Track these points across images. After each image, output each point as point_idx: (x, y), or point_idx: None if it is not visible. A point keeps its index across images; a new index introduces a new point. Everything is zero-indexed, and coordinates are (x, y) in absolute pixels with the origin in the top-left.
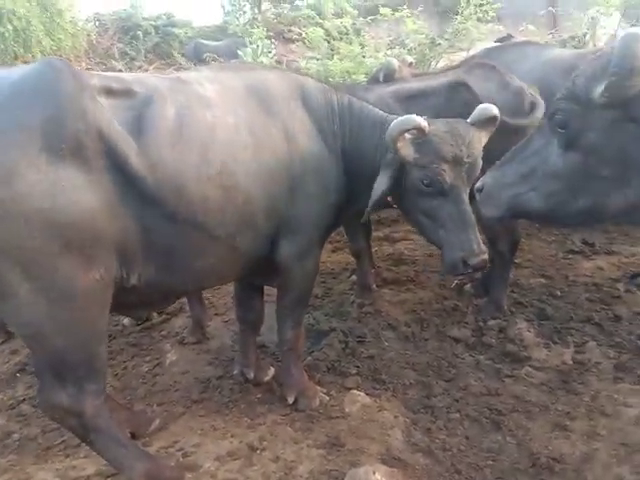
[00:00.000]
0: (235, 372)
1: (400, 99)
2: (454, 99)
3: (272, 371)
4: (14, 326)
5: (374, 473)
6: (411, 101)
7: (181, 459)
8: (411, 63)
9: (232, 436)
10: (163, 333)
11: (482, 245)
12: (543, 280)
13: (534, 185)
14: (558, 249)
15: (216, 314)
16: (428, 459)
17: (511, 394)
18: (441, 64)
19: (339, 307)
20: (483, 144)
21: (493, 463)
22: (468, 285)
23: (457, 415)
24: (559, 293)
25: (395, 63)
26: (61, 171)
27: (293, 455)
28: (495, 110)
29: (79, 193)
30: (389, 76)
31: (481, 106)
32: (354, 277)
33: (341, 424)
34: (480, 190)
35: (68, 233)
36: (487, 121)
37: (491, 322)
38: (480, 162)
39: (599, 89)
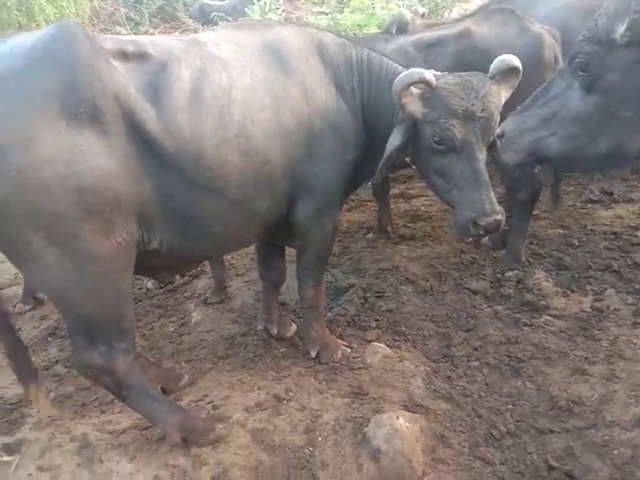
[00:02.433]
0: (259, 328)
1: (420, 48)
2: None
3: (294, 327)
4: (42, 290)
5: (398, 418)
6: (431, 50)
7: (211, 411)
8: (424, 14)
9: (259, 388)
10: (186, 294)
11: (496, 205)
12: (561, 230)
13: (555, 129)
14: (576, 199)
15: (237, 275)
16: (449, 405)
17: (530, 342)
18: (454, 14)
19: (357, 264)
20: (504, 98)
21: (513, 407)
22: (486, 238)
23: (477, 363)
24: (577, 242)
25: (408, 14)
26: (79, 136)
27: (318, 404)
28: (516, 61)
29: (98, 158)
30: (402, 28)
31: (500, 57)
32: (370, 235)
33: (363, 374)
34: (501, 136)
35: (88, 198)
36: (507, 73)
37: (509, 273)
38: (498, 117)
39: (621, 28)
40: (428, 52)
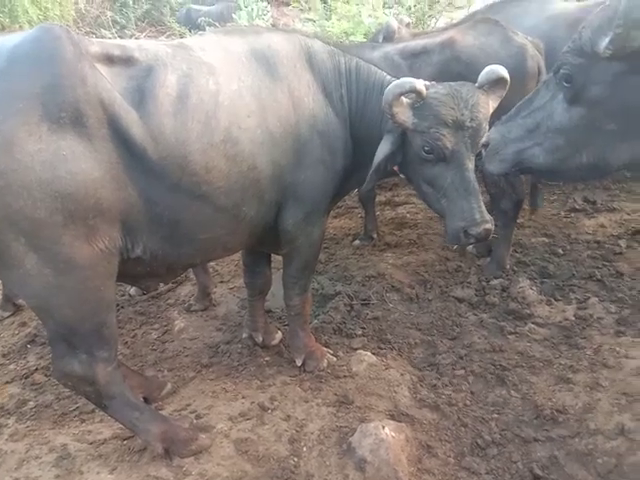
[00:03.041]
0: (244, 336)
1: (406, 56)
2: (455, 54)
3: (280, 335)
4: (22, 296)
5: (383, 428)
6: (416, 58)
7: (194, 421)
8: (409, 23)
9: (243, 397)
10: (170, 301)
11: (485, 214)
12: (545, 239)
13: (539, 140)
14: (560, 208)
15: (221, 281)
16: (435, 414)
17: (515, 350)
18: (440, 23)
19: (343, 272)
20: (492, 108)
21: (498, 416)
22: (470, 246)
23: (462, 371)
24: (561, 251)
25: (395, 24)
26: (61, 141)
27: (303, 414)
28: (504, 71)
29: (81, 163)
30: (389, 37)
31: (489, 67)
32: (356, 242)
33: (349, 383)
34: (486, 145)
35: (70, 204)
36: (495, 83)
37: (494, 281)
38: (486, 127)
39: (605, 41)
40: (413, 60)
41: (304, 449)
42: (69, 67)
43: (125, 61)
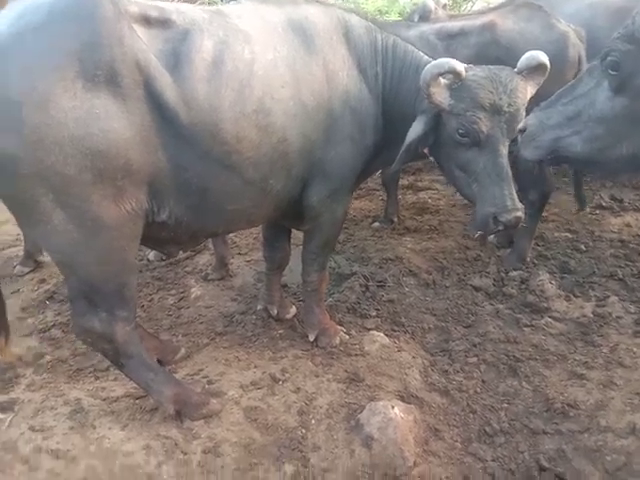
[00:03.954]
0: (259, 308)
1: (442, 37)
2: (495, 38)
3: (294, 309)
4: (48, 251)
5: (392, 407)
6: (453, 40)
7: (206, 386)
8: (445, 5)
9: (255, 367)
10: (187, 269)
11: (517, 202)
12: (568, 234)
13: (578, 128)
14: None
15: (239, 253)
16: (444, 399)
17: (529, 342)
18: (476, 7)
19: (360, 252)
20: (530, 94)
21: (508, 406)
22: (492, 236)
23: (474, 359)
24: (584, 248)
25: (431, 4)
26: (96, 99)
27: (313, 387)
28: (544, 58)
29: (113, 122)
30: (425, 17)
31: (529, 53)
32: (376, 224)
33: (360, 361)
34: (523, 131)
35: (100, 162)
36: (535, 69)
37: (513, 273)
38: (523, 113)
39: None
40: (450, 42)
41: (312, 422)
42: (108, 26)
43: (162, 23)
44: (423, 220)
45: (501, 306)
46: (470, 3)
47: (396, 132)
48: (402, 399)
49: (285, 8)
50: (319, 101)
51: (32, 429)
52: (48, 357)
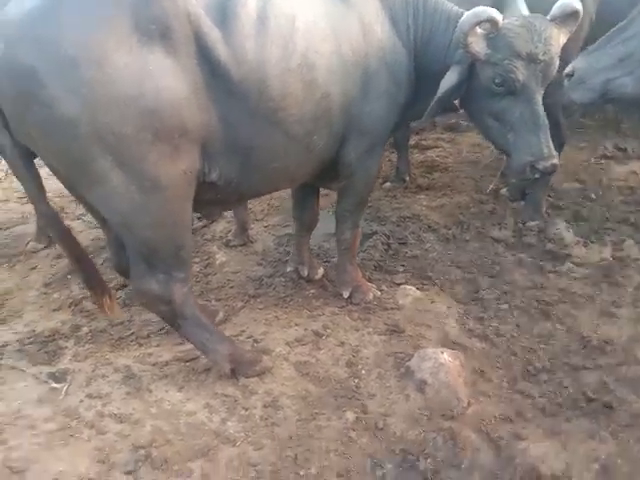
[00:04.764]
0: (288, 270)
1: None
2: None
3: (322, 269)
4: (106, 213)
5: (442, 353)
6: None
7: (253, 345)
8: None
9: (296, 325)
10: (207, 237)
11: (552, 149)
12: (577, 184)
13: (630, 69)
14: (590, 154)
15: (256, 220)
16: (484, 343)
17: (556, 287)
18: None
19: (376, 212)
20: (562, 42)
21: (545, 347)
22: (504, 189)
23: (506, 306)
24: (593, 196)
25: None
26: (150, 54)
27: (356, 341)
28: (577, 5)
29: (167, 79)
30: None
31: (562, 1)
32: (387, 184)
33: (397, 314)
34: (570, 75)
35: (156, 121)
36: (568, 17)
37: (530, 223)
38: (557, 61)
39: None
40: None
41: (362, 372)
42: None
43: None
44: (434, 178)
45: (523, 255)
46: None
47: (426, 85)
48: (444, 346)
49: None
50: (357, 56)
51: (90, 396)
52: (85, 329)
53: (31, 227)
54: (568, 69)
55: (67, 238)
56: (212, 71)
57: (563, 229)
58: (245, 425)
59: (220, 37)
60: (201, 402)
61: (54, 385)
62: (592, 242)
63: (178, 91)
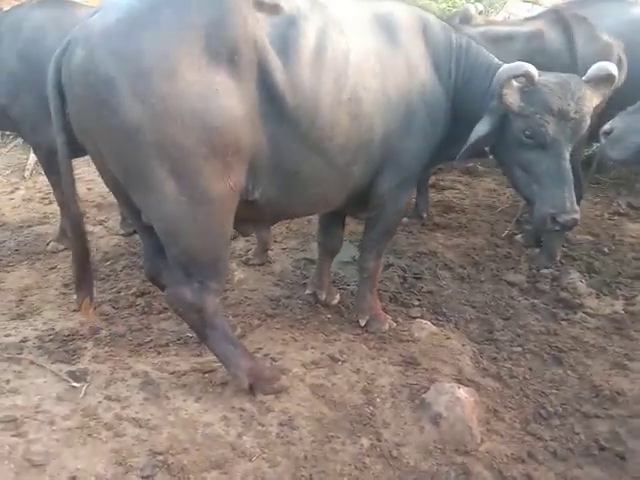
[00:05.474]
0: (307, 292)
1: (487, 41)
2: (541, 46)
3: (339, 296)
4: (152, 219)
5: (459, 388)
6: (497, 44)
7: (271, 363)
8: (482, 11)
9: (312, 347)
10: None
11: (575, 204)
12: (590, 237)
13: None
14: (603, 210)
15: (275, 241)
16: (498, 383)
17: (569, 335)
18: (499, 17)
19: (393, 245)
20: (595, 104)
21: (557, 392)
22: (519, 235)
23: (519, 349)
24: (606, 250)
25: (473, 9)
26: (216, 75)
27: (372, 369)
28: (613, 69)
29: (229, 99)
30: (466, 22)
31: (599, 63)
32: (405, 220)
33: (412, 347)
34: (608, 133)
35: (215, 137)
36: (602, 80)
37: (544, 271)
38: (588, 121)
39: None
40: (494, 46)
41: (377, 400)
42: (235, 5)
43: (272, 8)
44: (451, 218)
45: (536, 301)
46: (494, 12)
47: (460, 129)
48: (459, 382)
49: (372, 3)
50: (401, 93)
51: (109, 398)
52: (104, 332)
53: (52, 227)
54: (606, 127)
55: (82, 240)
56: (270, 96)
57: (577, 279)
58: (261, 441)
59: (280, 65)
60: (218, 414)
61: (74, 384)
62: (604, 294)
63: (237, 111)
